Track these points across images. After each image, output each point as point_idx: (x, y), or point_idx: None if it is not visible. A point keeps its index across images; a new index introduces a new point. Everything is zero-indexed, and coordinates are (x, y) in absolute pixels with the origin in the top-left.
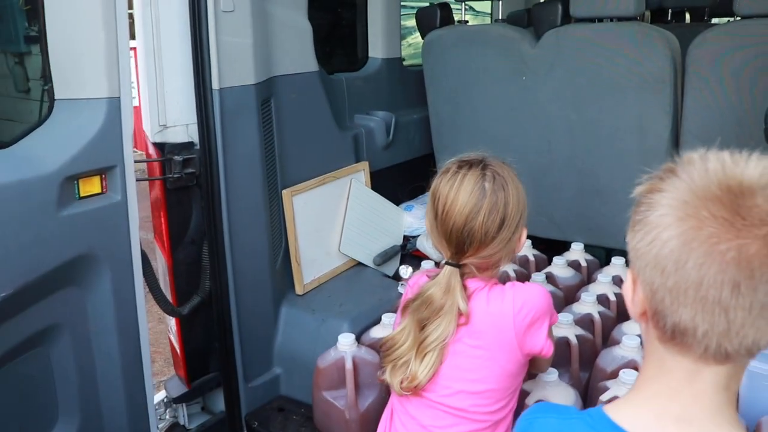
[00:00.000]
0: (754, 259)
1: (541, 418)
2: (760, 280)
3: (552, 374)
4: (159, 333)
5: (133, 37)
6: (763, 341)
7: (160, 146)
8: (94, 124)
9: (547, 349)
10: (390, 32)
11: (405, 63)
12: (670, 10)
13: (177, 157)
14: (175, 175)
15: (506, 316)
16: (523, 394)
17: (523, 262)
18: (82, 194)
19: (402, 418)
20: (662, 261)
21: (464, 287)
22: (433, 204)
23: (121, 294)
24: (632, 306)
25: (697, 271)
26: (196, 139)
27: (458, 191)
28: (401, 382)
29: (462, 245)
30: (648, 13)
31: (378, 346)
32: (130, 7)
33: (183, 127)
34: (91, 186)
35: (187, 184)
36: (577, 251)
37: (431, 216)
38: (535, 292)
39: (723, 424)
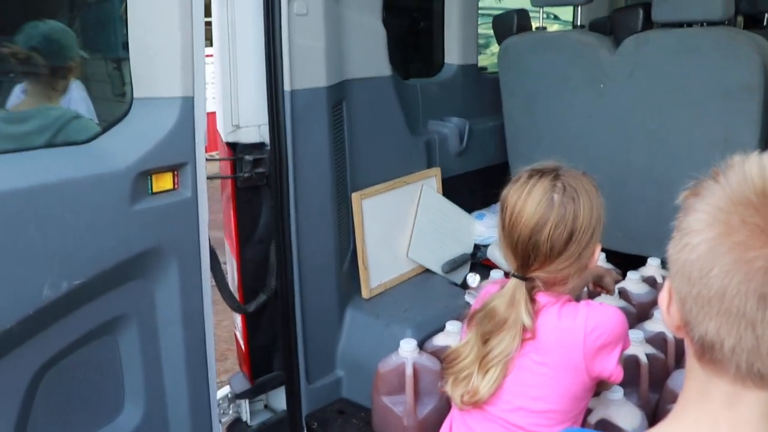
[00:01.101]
0: None
1: None
2: None
3: (617, 392)
4: None
5: (210, 44)
6: None
7: (232, 146)
8: (168, 122)
9: (617, 376)
10: (466, 38)
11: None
12: (767, 15)
13: (248, 157)
14: (246, 174)
15: (576, 336)
16: (586, 412)
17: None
18: (154, 190)
19: (461, 431)
20: (689, 268)
21: (533, 301)
22: (501, 213)
23: (188, 289)
24: (668, 318)
25: (721, 280)
26: (267, 139)
27: (526, 201)
28: (462, 396)
29: (527, 258)
30: (741, 19)
31: (440, 354)
32: (208, 15)
33: (255, 128)
34: (163, 182)
35: (257, 183)
36: (653, 267)
37: (500, 225)
38: (611, 314)
39: None
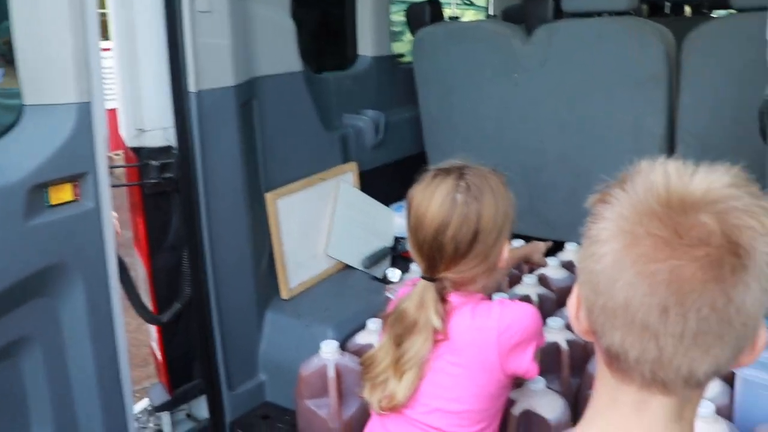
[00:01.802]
0: (686, 283)
1: None
2: (691, 306)
3: (539, 382)
4: None
5: (106, 38)
6: (701, 372)
7: (137, 151)
8: (64, 130)
9: (532, 372)
10: (379, 29)
11: (403, 59)
12: (668, 3)
13: (154, 162)
14: (153, 181)
15: (490, 335)
16: (509, 403)
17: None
18: (52, 202)
19: None
20: (595, 278)
21: (444, 302)
22: (407, 214)
23: (96, 304)
24: (576, 323)
25: (625, 292)
26: (174, 143)
27: (429, 202)
28: (380, 401)
29: (433, 259)
30: (645, 7)
31: (363, 353)
32: (102, 6)
33: (160, 131)
34: (62, 193)
35: (165, 189)
36: (570, 251)
37: (407, 226)
38: (525, 312)
39: None
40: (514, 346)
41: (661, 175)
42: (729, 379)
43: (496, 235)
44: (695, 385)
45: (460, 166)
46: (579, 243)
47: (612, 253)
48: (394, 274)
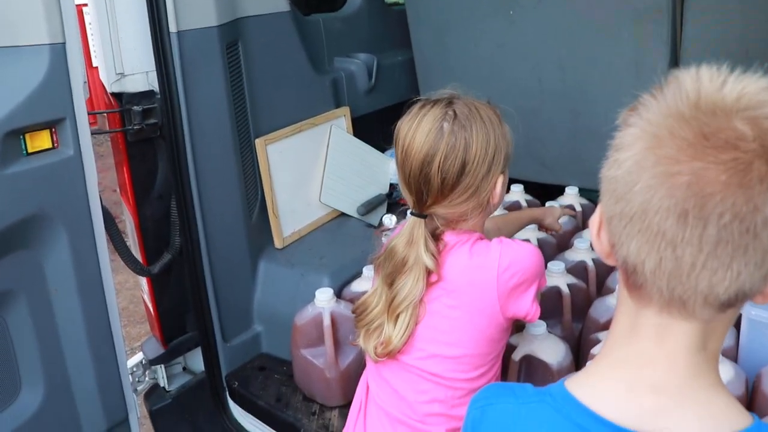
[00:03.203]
0: (708, 185)
1: (494, 404)
2: (712, 212)
3: (540, 326)
4: None
5: None
6: (721, 289)
7: (118, 96)
8: (37, 74)
9: (533, 315)
10: None
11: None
12: None
13: (136, 108)
14: (136, 127)
15: (489, 274)
16: (510, 349)
17: (514, 208)
18: (30, 150)
19: (378, 384)
20: (614, 184)
21: (437, 240)
22: (395, 147)
23: (82, 255)
24: (598, 244)
25: (642, 196)
26: (156, 87)
27: (416, 132)
28: (376, 348)
29: (420, 193)
30: None
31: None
32: None
33: (142, 75)
34: (39, 141)
35: (149, 135)
36: (571, 195)
37: (396, 161)
38: (526, 251)
39: (703, 389)
40: (515, 287)
41: (691, 80)
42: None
43: (487, 168)
44: (717, 308)
45: (450, 95)
46: (579, 186)
47: (633, 156)
48: (390, 220)
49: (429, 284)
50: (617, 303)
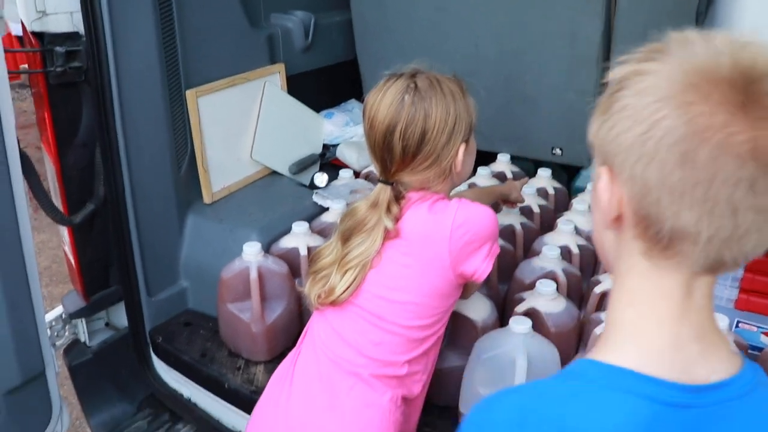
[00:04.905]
0: None
1: (532, 406)
2: None
3: None
4: None
5: None
6: (761, 247)
7: (39, 36)
8: None
9: (480, 274)
10: None
11: None
12: None
13: (59, 48)
14: (58, 69)
15: (443, 229)
16: None
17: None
18: None
19: (320, 326)
20: (663, 154)
21: (400, 200)
22: (363, 118)
23: None
24: (608, 209)
25: (710, 166)
26: (81, 28)
27: (380, 103)
28: (319, 296)
29: (384, 161)
30: None
31: (287, 257)
32: None
33: (66, 15)
34: None
35: (73, 79)
36: (503, 162)
37: (364, 129)
38: (483, 212)
39: (718, 332)
40: (466, 244)
41: (725, 42)
42: None
43: (447, 137)
44: (740, 264)
45: (413, 69)
46: (511, 154)
47: (686, 123)
48: (321, 179)
49: (387, 238)
50: (621, 271)
